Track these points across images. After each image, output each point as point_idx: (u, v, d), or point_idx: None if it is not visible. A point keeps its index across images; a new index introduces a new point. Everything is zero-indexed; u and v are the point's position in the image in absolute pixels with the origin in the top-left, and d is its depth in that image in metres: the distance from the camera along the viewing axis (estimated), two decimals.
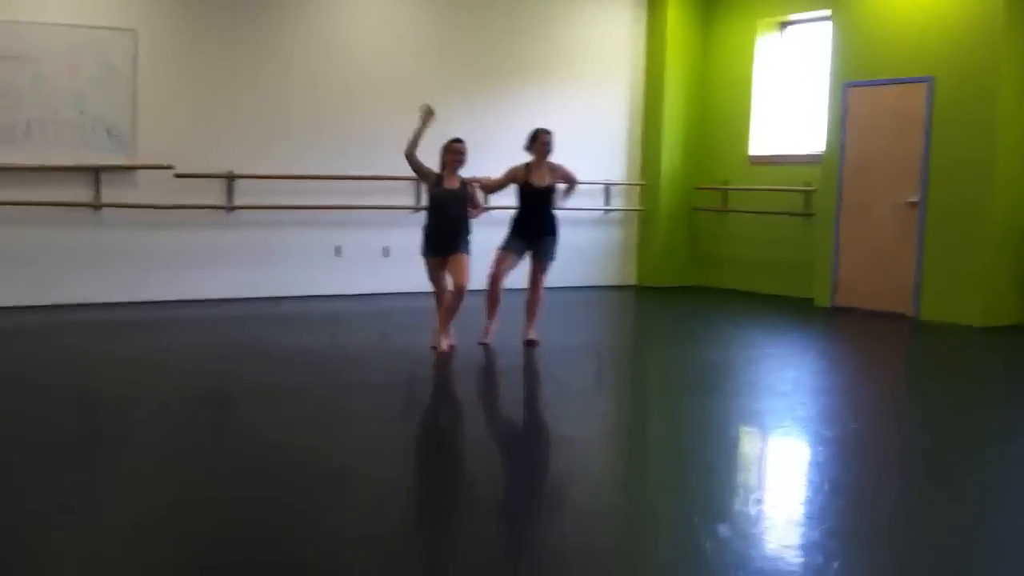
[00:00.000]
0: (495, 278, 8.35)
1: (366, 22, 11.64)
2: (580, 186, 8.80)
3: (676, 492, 5.01)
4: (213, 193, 10.86)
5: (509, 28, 12.39)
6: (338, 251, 11.58)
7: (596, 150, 12.94)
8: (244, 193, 10.97)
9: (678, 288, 13.27)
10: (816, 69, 12.34)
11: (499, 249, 8.39)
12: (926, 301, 10.62)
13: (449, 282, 8.16)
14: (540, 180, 8.31)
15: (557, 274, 9.08)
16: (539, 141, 8.32)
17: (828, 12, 11.80)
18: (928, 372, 8.72)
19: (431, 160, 8.19)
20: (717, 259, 13.34)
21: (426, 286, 8.34)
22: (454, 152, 8.11)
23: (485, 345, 8.34)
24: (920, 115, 10.65)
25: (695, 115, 13.41)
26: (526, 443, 6.06)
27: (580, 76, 12.90)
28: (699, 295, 12.74)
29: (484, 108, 12.11)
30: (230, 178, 10.85)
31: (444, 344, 8.11)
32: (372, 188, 11.48)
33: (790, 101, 12.84)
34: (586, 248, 12.61)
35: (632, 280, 13.54)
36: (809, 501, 4.80)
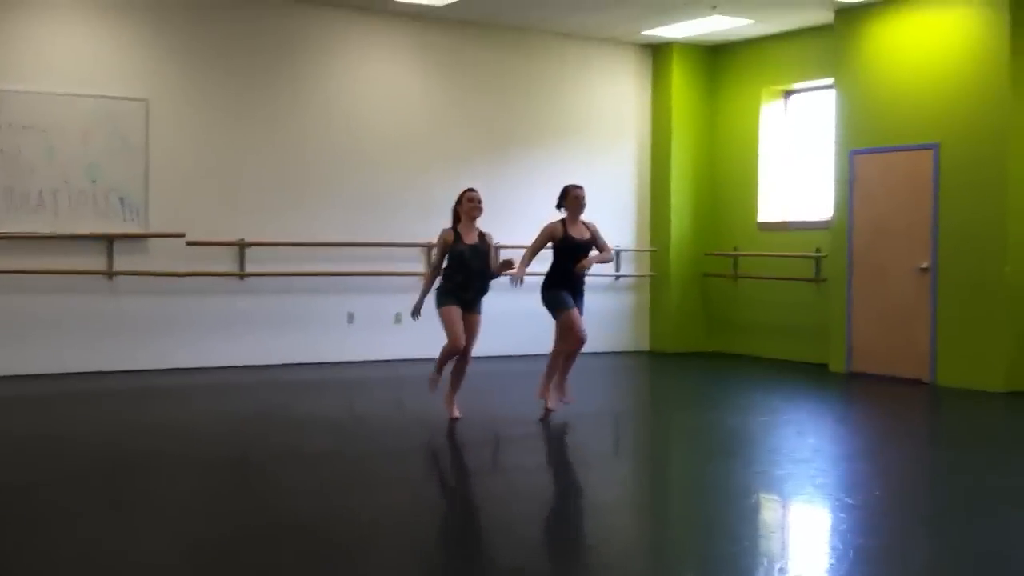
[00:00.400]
0: (580, 337, 8.09)
1: (377, 90, 11.72)
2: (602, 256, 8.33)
3: (701, 561, 4.90)
4: (225, 261, 10.87)
5: (519, 96, 12.47)
6: (350, 318, 11.54)
7: (606, 216, 12.81)
8: (256, 260, 10.98)
9: (691, 354, 13.18)
10: (821, 136, 12.37)
11: (567, 310, 7.99)
12: (942, 366, 10.51)
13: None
14: (579, 235, 8.10)
15: None
16: (571, 196, 8.12)
17: (831, 80, 11.84)
18: (949, 437, 8.59)
19: (444, 210, 8.12)
20: (730, 325, 13.26)
21: (437, 352, 7.98)
22: (469, 201, 7.82)
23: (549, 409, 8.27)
24: (927, 181, 10.64)
25: (703, 181, 13.43)
26: (549, 510, 5.96)
27: (589, 143, 12.95)
28: (713, 361, 12.65)
29: (495, 175, 12.11)
30: (242, 245, 10.86)
31: (456, 411, 8.01)
32: (383, 254, 11.47)
33: (796, 167, 12.86)
34: (598, 314, 12.52)
35: (645, 346, 13.46)
36: (834, 569, 4.69)
